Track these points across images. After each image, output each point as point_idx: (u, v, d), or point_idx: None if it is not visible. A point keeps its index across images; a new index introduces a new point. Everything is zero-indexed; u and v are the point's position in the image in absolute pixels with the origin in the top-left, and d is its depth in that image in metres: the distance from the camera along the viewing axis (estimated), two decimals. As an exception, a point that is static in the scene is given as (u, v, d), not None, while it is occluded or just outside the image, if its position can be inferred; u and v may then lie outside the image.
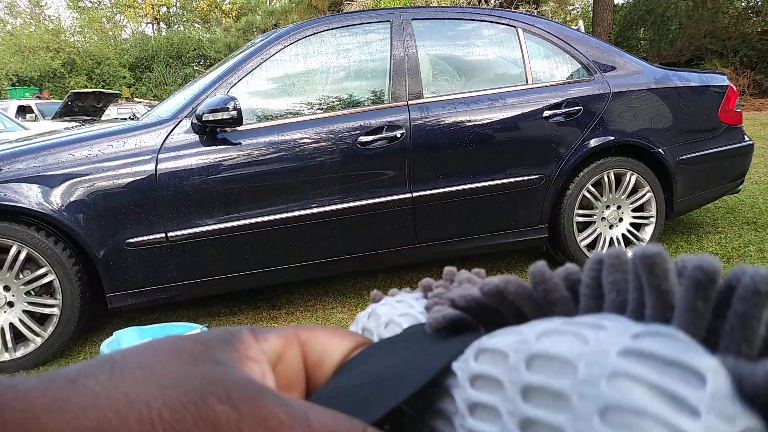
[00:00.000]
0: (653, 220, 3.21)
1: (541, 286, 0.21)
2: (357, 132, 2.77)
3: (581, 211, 3.13)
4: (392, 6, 9.05)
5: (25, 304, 2.56)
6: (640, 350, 0.17)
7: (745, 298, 0.17)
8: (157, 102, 13.46)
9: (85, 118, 9.77)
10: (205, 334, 0.21)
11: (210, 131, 2.63)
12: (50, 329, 2.56)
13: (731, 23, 12.56)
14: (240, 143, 2.66)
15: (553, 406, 0.17)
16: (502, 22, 3.17)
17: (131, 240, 2.54)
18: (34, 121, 11.24)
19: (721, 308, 0.18)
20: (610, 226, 3.21)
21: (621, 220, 3.22)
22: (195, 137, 2.63)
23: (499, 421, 0.19)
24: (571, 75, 3.18)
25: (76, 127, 3.50)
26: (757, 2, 12.78)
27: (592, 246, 3.17)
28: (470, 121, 2.92)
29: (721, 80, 3.41)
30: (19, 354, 2.55)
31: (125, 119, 3.47)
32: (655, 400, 0.16)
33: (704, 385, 0.16)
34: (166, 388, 0.18)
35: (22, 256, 2.50)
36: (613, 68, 3.19)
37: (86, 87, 19.69)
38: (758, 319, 0.17)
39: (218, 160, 2.63)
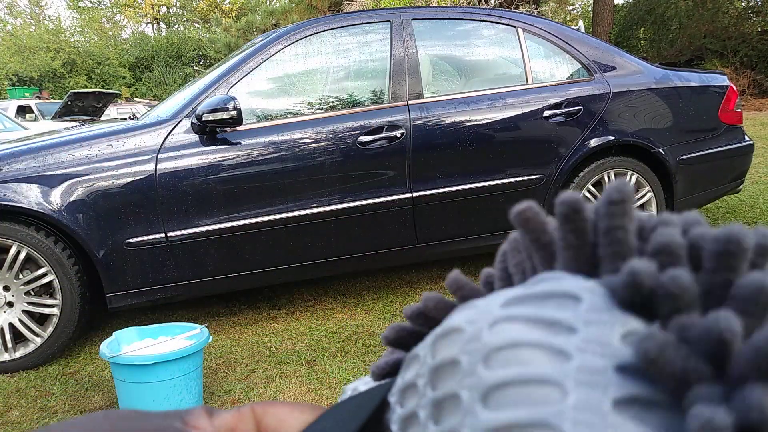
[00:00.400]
0: (653, 220, 3.20)
1: (459, 293, 0.21)
2: (357, 132, 2.76)
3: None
4: (392, 6, 9.05)
5: (25, 304, 2.56)
6: (520, 296, 0.17)
7: (604, 214, 0.17)
8: (156, 102, 13.45)
9: (85, 118, 9.77)
10: (154, 412, 0.21)
11: (210, 131, 2.63)
12: (50, 329, 2.55)
13: (731, 23, 12.55)
14: (240, 143, 2.66)
15: (451, 376, 0.17)
16: (502, 22, 3.17)
17: (131, 240, 2.54)
18: (34, 121, 11.23)
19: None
20: (611, 226, 3.20)
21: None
22: (195, 137, 2.63)
23: (418, 423, 0.18)
24: (571, 75, 3.18)
25: (75, 127, 3.50)
26: (757, 2, 12.77)
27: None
28: (470, 121, 2.91)
29: (722, 80, 3.41)
30: (18, 354, 2.54)
31: (125, 119, 3.46)
32: (532, 330, 0.16)
33: (579, 304, 0.16)
34: None
35: (22, 256, 2.50)
36: (614, 68, 3.19)
37: (86, 87, 19.69)
38: (623, 229, 0.17)
39: (218, 160, 2.62)
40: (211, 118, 2.55)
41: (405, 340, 0.23)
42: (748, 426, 0.13)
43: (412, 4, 9.34)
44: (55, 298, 2.55)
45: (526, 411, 0.15)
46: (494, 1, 10.91)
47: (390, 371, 0.23)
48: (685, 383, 0.14)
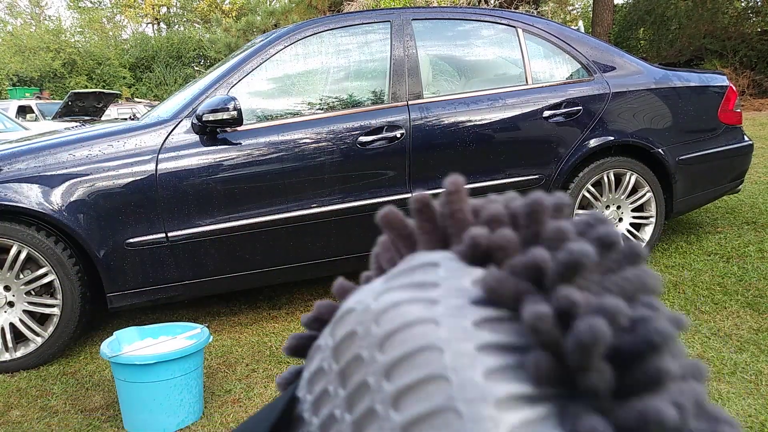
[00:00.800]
0: (653, 220, 3.21)
1: (346, 296, 0.24)
2: (357, 132, 2.77)
3: (581, 211, 3.13)
4: (392, 6, 9.05)
5: (26, 304, 2.56)
6: (395, 272, 0.22)
7: (445, 203, 0.22)
8: (157, 102, 13.45)
9: (86, 118, 9.77)
10: None
11: (210, 131, 2.63)
12: (50, 329, 2.56)
13: (731, 23, 12.56)
14: (240, 143, 2.67)
15: (350, 345, 0.21)
16: (502, 22, 3.17)
17: (131, 240, 2.54)
18: (35, 121, 11.24)
19: None
20: (610, 226, 3.20)
21: (621, 220, 3.22)
22: (195, 137, 2.63)
23: (331, 400, 0.21)
24: (571, 75, 3.18)
25: (76, 127, 3.50)
26: (757, 2, 12.77)
27: (591, 246, 3.17)
28: (470, 121, 2.92)
29: (721, 80, 3.42)
30: (19, 354, 2.55)
31: (125, 119, 3.47)
32: (406, 291, 0.20)
33: (439, 268, 0.21)
34: None
35: (23, 256, 2.50)
36: (613, 68, 3.19)
37: (86, 87, 19.68)
38: (460, 210, 0.22)
39: (218, 160, 2.63)
40: (211, 118, 2.56)
41: (305, 348, 0.25)
42: (561, 310, 0.18)
43: (412, 4, 9.34)
44: (56, 298, 2.55)
45: (413, 343, 0.19)
46: (494, 2, 10.90)
47: (293, 378, 0.26)
48: (518, 299, 0.19)
